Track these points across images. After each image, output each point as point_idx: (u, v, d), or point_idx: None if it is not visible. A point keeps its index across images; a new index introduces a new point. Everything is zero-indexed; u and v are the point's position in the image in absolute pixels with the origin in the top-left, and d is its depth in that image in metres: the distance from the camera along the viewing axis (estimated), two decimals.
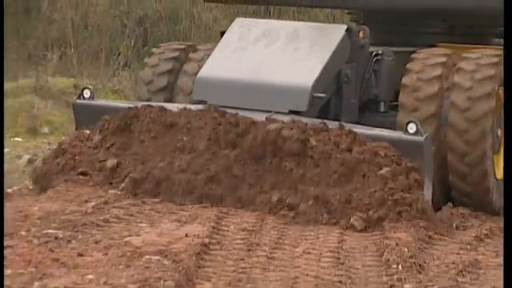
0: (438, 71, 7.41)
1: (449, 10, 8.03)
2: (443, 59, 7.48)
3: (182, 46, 8.59)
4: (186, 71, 8.31)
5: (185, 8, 14.81)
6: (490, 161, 7.29)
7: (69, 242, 5.78)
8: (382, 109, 7.85)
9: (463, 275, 5.96)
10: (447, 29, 8.46)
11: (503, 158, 5.17)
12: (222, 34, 8.19)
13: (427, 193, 6.67)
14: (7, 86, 11.22)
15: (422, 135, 6.69)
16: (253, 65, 7.48)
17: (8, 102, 11.16)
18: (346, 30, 7.52)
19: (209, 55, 7.90)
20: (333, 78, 7.48)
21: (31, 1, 13.87)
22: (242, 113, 7.02)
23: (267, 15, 13.97)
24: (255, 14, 12.64)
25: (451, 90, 7.36)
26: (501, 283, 5.77)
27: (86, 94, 7.55)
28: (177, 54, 8.44)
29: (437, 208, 7.09)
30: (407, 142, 6.68)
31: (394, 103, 7.71)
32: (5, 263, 5.21)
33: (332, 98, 7.51)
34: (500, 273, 6.03)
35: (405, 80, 7.45)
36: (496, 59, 7.42)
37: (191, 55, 8.42)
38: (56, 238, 5.83)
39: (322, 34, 7.60)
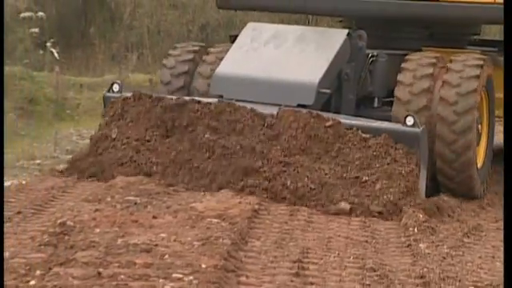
0: (430, 70, 6.91)
1: (429, 17, 7.56)
2: (434, 60, 7.00)
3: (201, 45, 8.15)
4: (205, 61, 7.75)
5: (240, 17, 14.80)
6: (474, 150, 6.83)
7: (145, 207, 5.82)
8: (376, 104, 7.36)
9: (468, 236, 5.93)
10: (428, 35, 7.92)
11: (504, 158, 4.81)
12: (231, 37, 7.84)
13: (422, 177, 6.35)
14: (96, 81, 11.29)
15: (419, 127, 6.38)
16: (264, 63, 7.04)
17: (97, 94, 11.25)
18: (347, 34, 7.14)
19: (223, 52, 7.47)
20: (335, 76, 7.05)
21: (115, 12, 13.91)
22: (254, 106, 6.65)
23: (306, 23, 13.87)
24: (297, 22, 12.55)
25: (441, 86, 6.82)
26: (499, 243, 5.73)
27: (116, 87, 7.08)
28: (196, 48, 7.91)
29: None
30: (405, 133, 6.36)
31: (387, 99, 7.28)
32: (95, 224, 5.27)
33: (333, 93, 7.08)
34: (498, 235, 5.98)
35: (400, 77, 6.94)
36: (481, 62, 6.93)
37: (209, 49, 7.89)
38: (135, 203, 5.86)
39: (326, 37, 7.19)
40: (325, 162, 6.37)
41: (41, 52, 11.11)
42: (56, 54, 10.68)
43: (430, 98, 6.80)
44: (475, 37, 8.48)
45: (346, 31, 7.17)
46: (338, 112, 7.00)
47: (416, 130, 6.36)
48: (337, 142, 6.42)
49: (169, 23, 14.51)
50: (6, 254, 4.70)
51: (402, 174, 6.21)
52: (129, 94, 7.02)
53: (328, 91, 6.88)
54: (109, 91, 7.13)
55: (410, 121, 6.35)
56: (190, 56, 7.78)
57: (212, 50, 7.79)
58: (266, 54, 7.13)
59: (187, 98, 6.90)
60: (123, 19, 13.81)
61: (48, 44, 10.73)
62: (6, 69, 9.85)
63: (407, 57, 7.11)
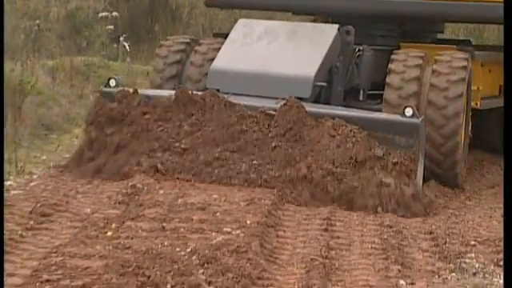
0: (419, 61, 6.13)
1: (402, 15, 6.75)
2: (421, 54, 6.24)
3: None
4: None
5: (280, 18, 14.69)
6: (461, 135, 6.03)
7: None
8: (361, 98, 6.46)
9: (469, 200, 5.88)
10: (401, 33, 7.03)
11: (504, 157, 4.18)
12: (214, 34, 7.17)
13: (420, 167, 5.52)
14: None
15: (418, 117, 5.49)
16: (259, 58, 6.16)
17: None
18: (338, 29, 6.31)
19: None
20: (328, 70, 6.22)
21: (175, 12, 13.90)
22: (252, 99, 5.79)
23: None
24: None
25: (432, 75, 6.04)
26: (495, 205, 5.69)
27: (112, 83, 5.99)
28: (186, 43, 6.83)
29: None
30: (405, 124, 5.46)
31: (371, 92, 6.48)
32: (159, 186, 5.28)
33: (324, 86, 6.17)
34: (495, 198, 5.93)
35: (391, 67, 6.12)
36: (466, 55, 6.25)
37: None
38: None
39: (318, 33, 6.32)
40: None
41: (115, 45, 11.12)
42: (127, 47, 10.69)
43: (420, 86, 6.03)
44: (439, 35, 7.70)
45: (337, 26, 6.34)
46: (327, 103, 6.19)
47: (416, 120, 5.47)
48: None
49: (219, 21, 14.45)
50: (88, 210, 4.75)
51: (401, 165, 5.38)
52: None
53: (324, 84, 6.08)
54: (106, 86, 6.05)
55: (408, 112, 5.47)
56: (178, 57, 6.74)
57: (198, 48, 6.76)
58: (260, 49, 6.27)
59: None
60: (182, 18, 13.80)
61: (121, 39, 10.73)
62: (88, 59, 9.94)
63: (396, 51, 6.36)
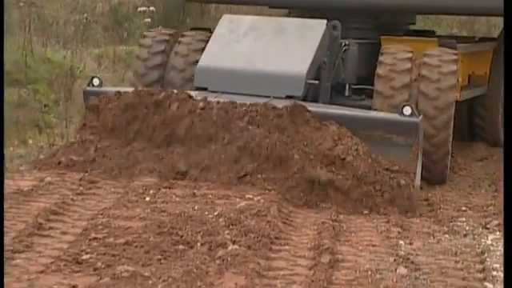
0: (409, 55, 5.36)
1: (378, 8, 5.92)
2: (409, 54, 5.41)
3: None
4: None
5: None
6: (452, 127, 5.23)
7: None
8: (347, 93, 5.60)
9: (461, 170, 5.83)
10: (378, 26, 6.13)
11: (503, 156, 3.59)
12: (192, 29, 6.25)
13: (419, 164, 4.81)
14: None
15: (417, 116, 4.69)
16: (247, 55, 5.25)
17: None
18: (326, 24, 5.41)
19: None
20: (317, 66, 5.30)
21: (204, 7, 13.84)
22: (242, 98, 4.86)
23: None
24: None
25: (422, 67, 5.28)
26: (483, 176, 5.63)
27: (96, 82, 5.24)
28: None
29: None
30: (404, 123, 4.64)
31: (357, 87, 5.64)
32: None
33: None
34: (482, 169, 5.87)
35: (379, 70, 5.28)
36: (455, 50, 5.51)
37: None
38: None
39: (306, 28, 5.39)
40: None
41: None
42: None
43: (411, 77, 5.25)
44: (410, 27, 6.89)
45: (325, 21, 5.43)
46: (315, 100, 5.25)
47: (415, 119, 4.66)
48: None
49: (244, 14, 14.39)
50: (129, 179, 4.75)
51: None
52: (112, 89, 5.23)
53: (316, 82, 5.21)
54: (88, 85, 5.28)
55: (407, 110, 4.66)
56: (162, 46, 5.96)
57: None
58: (247, 46, 5.34)
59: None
60: (210, 12, 13.75)
61: None
62: (128, 48, 9.95)
63: (385, 46, 5.53)
